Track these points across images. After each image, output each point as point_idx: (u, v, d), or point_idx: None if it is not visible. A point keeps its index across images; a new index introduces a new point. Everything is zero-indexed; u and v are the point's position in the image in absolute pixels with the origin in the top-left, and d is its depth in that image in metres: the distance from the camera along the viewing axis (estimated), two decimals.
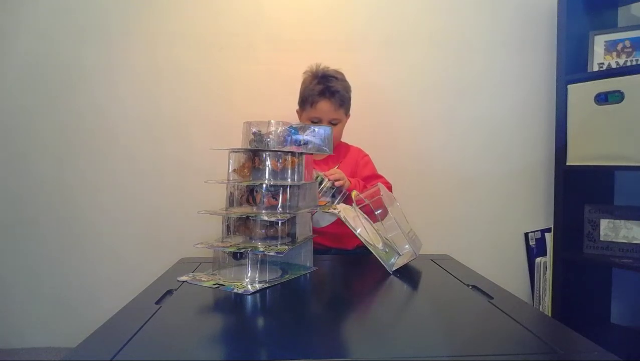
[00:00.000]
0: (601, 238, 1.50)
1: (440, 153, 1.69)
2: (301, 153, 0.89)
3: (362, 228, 0.93)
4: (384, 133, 1.65)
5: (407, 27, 1.66)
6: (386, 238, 0.95)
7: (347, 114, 1.39)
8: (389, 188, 1.33)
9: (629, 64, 1.49)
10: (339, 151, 1.42)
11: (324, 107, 1.33)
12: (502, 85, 1.68)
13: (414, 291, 0.88)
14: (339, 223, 1.00)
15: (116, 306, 0.69)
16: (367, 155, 1.46)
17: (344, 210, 0.96)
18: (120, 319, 0.65)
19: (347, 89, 1.37)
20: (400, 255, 0.93)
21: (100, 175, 1.61)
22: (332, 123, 1.34)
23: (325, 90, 1.32)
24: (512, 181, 1.70)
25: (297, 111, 1.43)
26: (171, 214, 1.61)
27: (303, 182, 0.90)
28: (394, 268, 0.90)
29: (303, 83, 1.39)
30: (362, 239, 0.91)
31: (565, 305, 1.51)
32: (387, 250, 0.92)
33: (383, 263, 0.90)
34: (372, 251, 0.91)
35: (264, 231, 0.85)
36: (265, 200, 0.85)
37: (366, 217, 1.00)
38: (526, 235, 1.71)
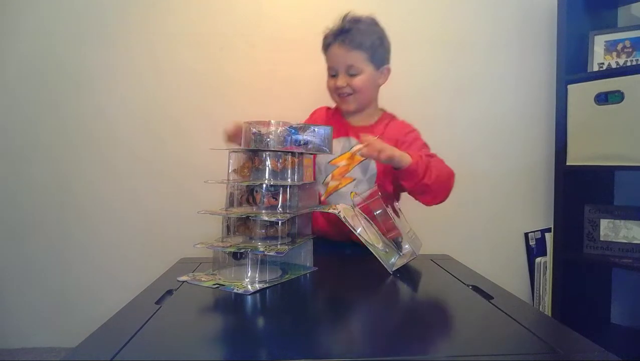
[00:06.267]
0: (601, 238, 1.50)
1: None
2: (301, 153, 0.89)
3: (361, 228, 0.92)
4: None
5: (407, 27, 1.66)
6: (386, 238, 0.94)
7: (374, 64, 1.13)
8: (441, 171, 1.07)
9: (629, 64, 1.49)
10: (378, 122, 1.19)
11: (335, 51, 1.11)
12: (502, 85, 1.68)
13: (414, 291, 0.88)
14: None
15: (116, 306, 0.69)
16: (413, 131, 1.19)
17: (343, 210, 0.95)
18: (120, 319, 0.65)
19: (371, 33, 1.11)
20: (400, 255, 0.93)
21: (100, 175, 1.61)
22: (350, 73, 1.12)
23: (337, 32, 1.10)
24: (512, 181, 1.70)
25: None
26: (171, 214, 1.61)
27: (303, 182, 0.90)
28: (394, 268, 0.90)
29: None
30: (362, 239, 0.90)
31: (565, 305, 1.51)
32: (387, 250, 0.92)
33: (383, 263, 0.89)
34: (372, 251, 0.90)
35: (264, 231, 0.85)
36: (265, 200, 0.85)
37: (366, 216, 1.00)
38: (526, 235, 1.71)
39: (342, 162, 1.18)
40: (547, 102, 1.66)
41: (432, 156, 1.13)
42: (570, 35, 1.52)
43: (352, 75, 1.12)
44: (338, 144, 1.19)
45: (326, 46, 1.15)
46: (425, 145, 1.19)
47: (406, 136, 1.17)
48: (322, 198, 1.19)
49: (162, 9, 1.60)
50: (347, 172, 1.17)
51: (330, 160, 1.19)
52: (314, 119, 1.29)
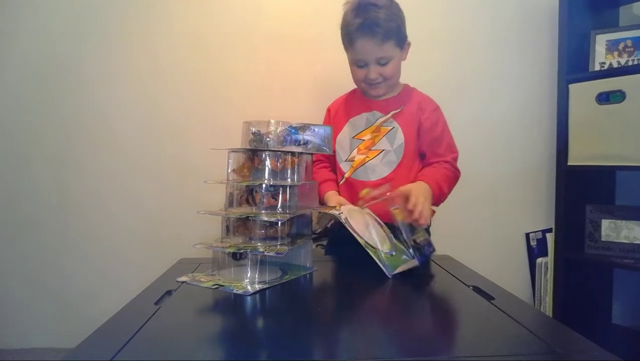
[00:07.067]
0: (602, 239, 1.49)
1: None
2: (301, 153, 0.89)
3: (362, 230, 0.92)
4: None
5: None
6: (396, 241, 0.94)
7: (400, 46, 1.13)
8: (450, 178, 1.17)
9: (630, 63, 1.48)
10: (399, 95, 1.20)
11: (365, 45, 1.09)
12: (503, 85, 1.68)
13: (414, 291, 0.88)
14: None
15: (116, 307, 0.69)
16: (437, 109, 1.19)
17: (346, 211, 0.94)
18: (120, 319, 0.65)
19: (393, 16, 1.10)
20: (409, 258, 0.92)
21: (99, 175, 1.61)
22: (381, 63, 1.11)
23: (362, 25, 1.07)
24: (513, 181, 1.69)
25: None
26: (171, 214, 1.61)
27: (303, 182, 0.89)
28: (394, 272, 0.88)
29: (342, 19, 1.15)
30: (360, 242, 0.89)
31: (566, 306, 1.50)
32: (393, 253, 0.91)
33: (382, 267, 0.88)
34: (370, 254, 0.89)
35: (263, 231, 0.84)
36: (264, 200, 0.84)
37: (376, 217, 0.99)
38: (527, 235, 1.70)
39: (368, 135, 1.17)
40: (549, 101, 1.66)
41: (446, 160, 1.18)
42: (572, 34, 1.51)
43: (383, 65, 1.12)
44: (362, 119, 1.19)
45: (350, 40, 1.12)
46: (444, 129, 1.19)
47: (432, 113, 1.17)
48: (347, 175, 1.18)
49: (162, 9, 1.60)
50: (373, 145, 1.16)
51: (355, 135, 1.19)
52: (335, 108, 1.28)
